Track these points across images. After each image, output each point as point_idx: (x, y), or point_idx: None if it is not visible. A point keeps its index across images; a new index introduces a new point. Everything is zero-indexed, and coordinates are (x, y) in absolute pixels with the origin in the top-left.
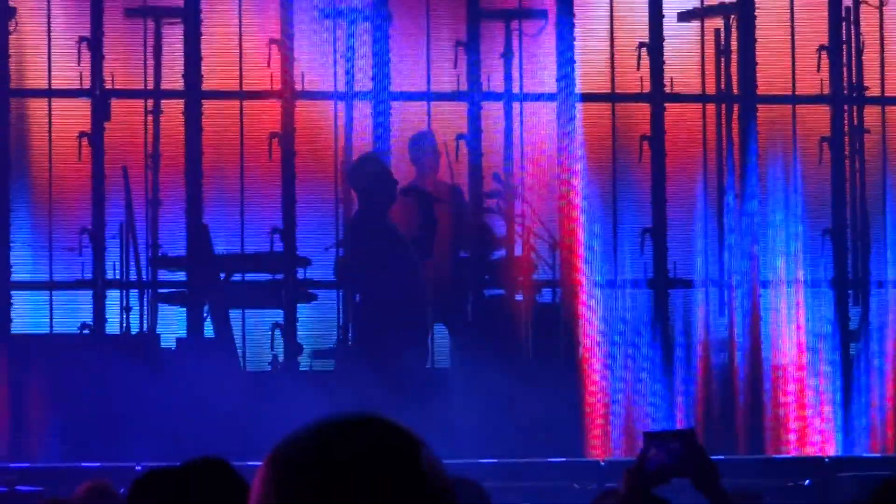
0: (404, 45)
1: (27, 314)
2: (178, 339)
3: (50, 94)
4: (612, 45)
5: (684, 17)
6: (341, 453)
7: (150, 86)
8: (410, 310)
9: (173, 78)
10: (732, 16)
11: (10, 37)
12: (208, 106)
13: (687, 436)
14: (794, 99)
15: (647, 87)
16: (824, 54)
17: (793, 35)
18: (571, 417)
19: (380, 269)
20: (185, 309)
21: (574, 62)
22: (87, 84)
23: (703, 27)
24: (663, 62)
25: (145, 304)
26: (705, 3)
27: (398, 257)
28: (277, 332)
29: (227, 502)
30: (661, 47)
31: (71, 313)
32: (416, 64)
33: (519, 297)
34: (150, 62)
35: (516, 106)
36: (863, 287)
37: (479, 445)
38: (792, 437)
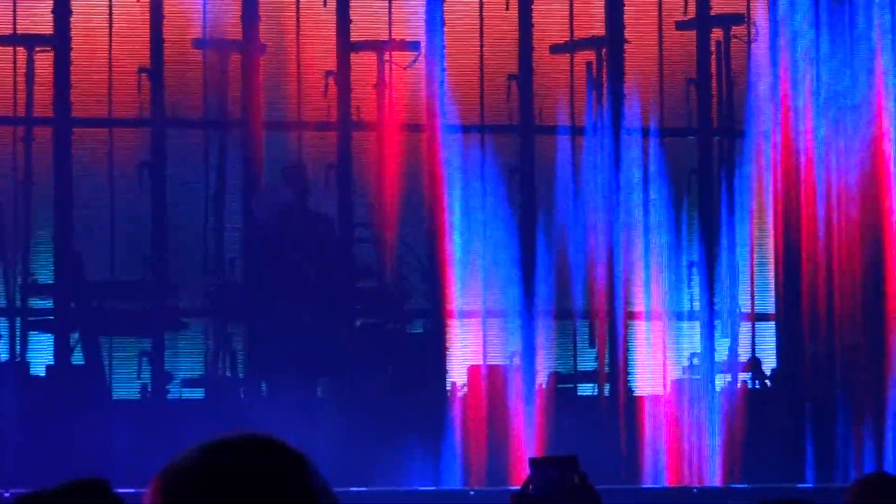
0: (275, 75)
1: None
2: (48, 367)
3: None
4: (482, 77)
5: (556, 49)
6: (229, 471)
7: (21, 113)
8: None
9: (44, 105)
10: (603, 49)
11: None
12: (79, 133)
13: (567, 462)
14: (662, 132)
15: (516, 119)
16: (693, 88)
17: (661, 68)
18: (441, 447)
19: (273, 300)
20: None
21: (445, 93)
22: None
23: (572, 60)
24: (532, 94)
25: (15, 331)
26: (575, 37)
27: (294, 289)
28: (145, 360)
29: None
30: (531, 79)
31: None
32: (287, 94)
33: (390, 326)
34: (21, 89)
35: (388, 135)
36: (731, 319)
37: (348, 473)
38: (660, 467)
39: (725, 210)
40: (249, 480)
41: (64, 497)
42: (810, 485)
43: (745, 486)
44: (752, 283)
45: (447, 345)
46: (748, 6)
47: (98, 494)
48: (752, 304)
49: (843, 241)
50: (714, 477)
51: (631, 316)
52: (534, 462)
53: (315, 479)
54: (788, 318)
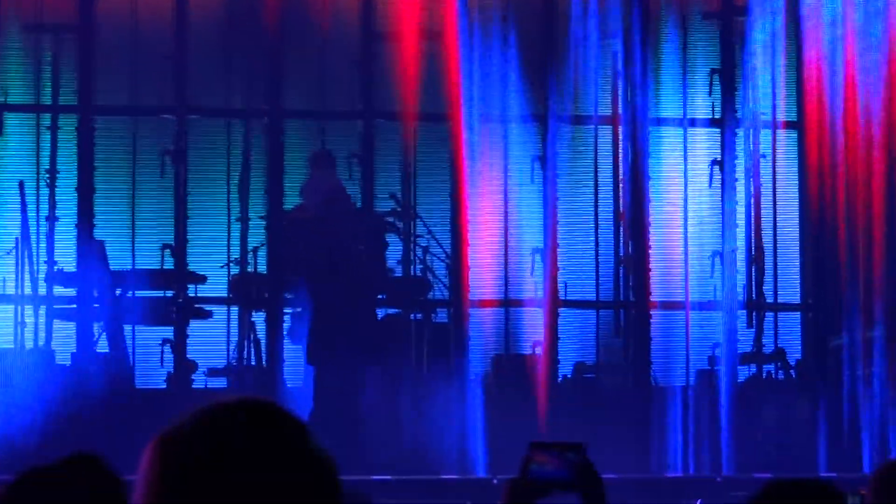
0: (296, 64)
1: None
2: (72, 354)
3: None
4: (509, 69)
5: (579, 39)
6: (229, 432)
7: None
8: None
9: (68, 93)
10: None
11: None
12: (102, 122)
13: (576, 449)
14: (686, 122)
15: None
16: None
17: (685, 58)
18: (466, 437)
19: (297, 290)
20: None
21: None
22: None
23: (599, 49)
24: (561, 84)
25: (39, 318)
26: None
27: (347, 273)
28: (167, 349)
29: (101, 497)
30: (561, 69)
31: None
32: (310, 83)
33: (414, 317)
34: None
35: (411, 125)
36: (756, 310)
37: (372, 462)
38: (680, 457)
39: (748, 200)
40: (249, 446)
41: (59, 472)
42: (833, 474)
43: (769, 475)
44: (775, 273)
45: (466, 335)
46: None
47: (91, 468)
48: (776, 294)
49: (872, 232)
50: (737, 467)
51: (654, 306)
52: (535, 446)
53: (316, 446)
54: (814, 309)
